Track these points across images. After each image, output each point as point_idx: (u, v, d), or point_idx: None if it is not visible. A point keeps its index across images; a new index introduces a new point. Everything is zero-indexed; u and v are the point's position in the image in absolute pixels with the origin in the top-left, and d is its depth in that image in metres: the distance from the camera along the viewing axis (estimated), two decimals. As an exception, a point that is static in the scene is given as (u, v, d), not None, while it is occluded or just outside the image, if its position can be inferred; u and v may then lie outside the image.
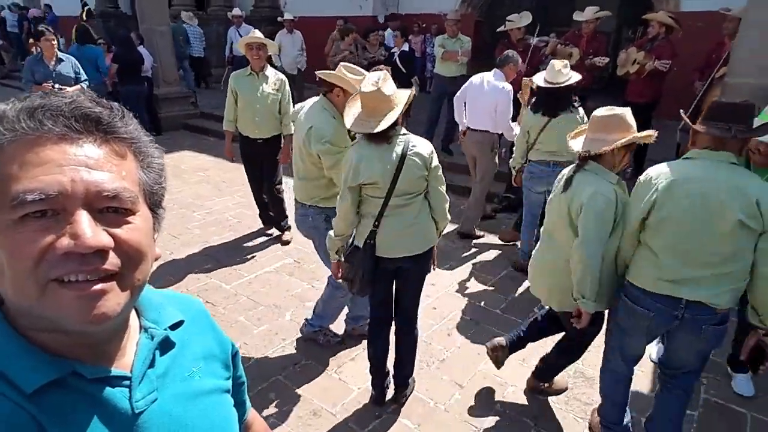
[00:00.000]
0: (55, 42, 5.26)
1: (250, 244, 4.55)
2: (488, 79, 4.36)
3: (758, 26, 4.01)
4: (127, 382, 0.64)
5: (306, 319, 3.17)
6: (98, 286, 0.56)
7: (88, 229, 0.54)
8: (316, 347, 3.10)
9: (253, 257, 4.29)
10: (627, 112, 2.20)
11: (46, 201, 0.53)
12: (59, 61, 5.25)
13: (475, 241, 4.72)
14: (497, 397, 2.75)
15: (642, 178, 2.06)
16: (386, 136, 2.19)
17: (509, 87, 4.27)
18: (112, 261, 0.57)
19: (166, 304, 0.76)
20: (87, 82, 5.42)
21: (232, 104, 4.20)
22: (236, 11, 8.75)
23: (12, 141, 0.55)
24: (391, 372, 2.69)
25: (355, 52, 6.94)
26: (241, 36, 8.64)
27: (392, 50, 6.84)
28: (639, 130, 2.18)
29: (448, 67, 6.25)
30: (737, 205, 1.79)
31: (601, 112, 2.23)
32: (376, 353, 2.61)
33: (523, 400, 2.74)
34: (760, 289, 1.88)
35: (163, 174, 0.68)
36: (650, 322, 2.08)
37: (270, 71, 4.21)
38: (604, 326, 2.41)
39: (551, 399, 2.74)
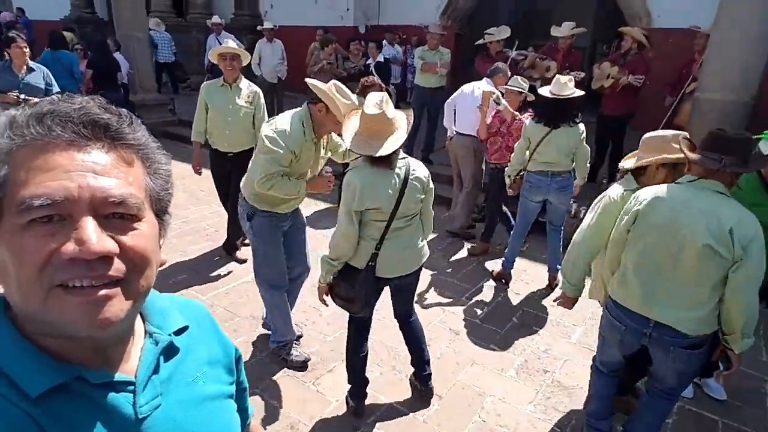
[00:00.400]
0: (27, 50, 4.95)
1: (220, 257, 4.48)
2: (479, 86, 4.55)
3: (724, 44, 4.18)
4: (131, 388, 0.64)
5: (268, 338, 3.13)
6: (103, 292, 0.56)
7: (93, 235, 0.54)
8: (306, 351, 3.06)
9: (229, 268, 4.22)
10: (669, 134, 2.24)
11: (53, 206, 0.54)
12: (30, 70, 4.90)
13: (452, 251, 4.74)
14: (476, 408, 2.75)
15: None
16: (389, 160, 2.21)
17: (498, 93, 4.38)
18: (117, 267, 0.57)
19: (171, 308, 0.76)
20: (59, 95, 5.21)
21: (203, 115, 4.03)
22: (215, 19, 8.69)
23: (21, 146, 0.56)
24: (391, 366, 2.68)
25: (335, 62, 6.96)
26: (220, 43, 8.61)
27: (368, 61, 6.88)
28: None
29: (428, 78, 6.32)
30: (707, 231, 1.82)
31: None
32: (359, 360, 2.59)
33: (501, 410, 2.74)
34: (723, 314, 1.93)
35: (170, 180, 0.68)
36: (623, 336, 2.12)
37: (244, 83, 4.05)
38: None
39: (529, 409, 2.75)
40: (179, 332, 0.74)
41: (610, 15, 8.59)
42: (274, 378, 2.89)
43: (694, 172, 1.99)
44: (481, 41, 5.89)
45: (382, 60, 6.89)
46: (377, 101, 2.17)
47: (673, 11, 7.34)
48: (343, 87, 2.59)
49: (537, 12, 10.62)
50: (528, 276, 4.29)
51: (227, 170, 4.12)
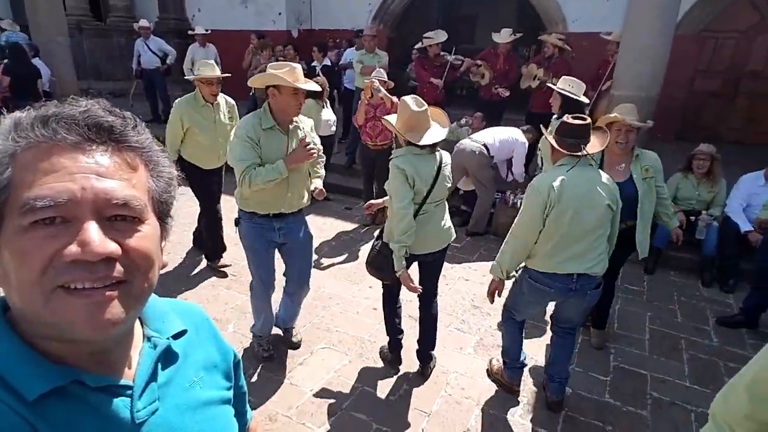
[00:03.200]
0: None
1: (182, 261, 4.43)
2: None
3: (632, 48, 4.75)
4: (129, 392, 0.63)
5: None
6: (105, 294, 0.56)
7: (96, 236, 0.54)
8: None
9: (186, 274, 4.18)
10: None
11: (56, 208, 0.54)
12: None
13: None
14: (441, 384, 2.96)
15: (535, 183, 2.48)
16: (432, 148, 2.58)
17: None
18: (120, 269, 0.57)
19: (170, 312, 0.76)
20: None
21: (179, 133, 3.82)
22: (143, 23, 8.36)
23: (25, 148, 0.56)
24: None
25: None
26: (150, 48, 8.34)
27: (313, 64, 6.97)
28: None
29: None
30: (607, 195, 2.44)
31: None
32: (396, 319, 3.02)
33: (465, 383, 2.97)
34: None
35: (172, 183, 0.68)
36: (550, 296, 2.64)
37: (220, 98, 3.93)
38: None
39: (488, 380, 3.01)
40: (177, 336, 0.73)
41: (529, 19, 9.21)
42: (250, 372, 2.96)
43: (560, 155, 2.49)
44: (419, 45, 6.13)
45: (329, 63, 6.98)
46: (414, 99, 2.55)
47: (587, 17, 8.05)
48: (275, 62, 2.76)
49: (461, 17, 11.14)
50: (475, 264, 4.60)
51: (213, 184, 4.10)
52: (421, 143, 2.50)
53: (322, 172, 3.12)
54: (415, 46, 6.43)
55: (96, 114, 0.59)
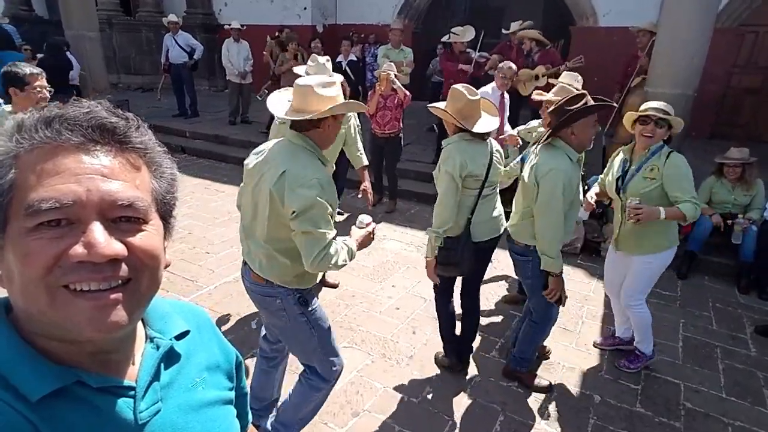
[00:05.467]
0: None
1: (203, 254, 4.46)
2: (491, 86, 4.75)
3: (669, 43, 4.57)
4: (131, 392, 0.64)
5: (272, 424, 2.41)
6: (110, 296, 0.56)
7: (102, 238, 0.55)
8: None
9: (210, 269, 4.21)
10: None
11: (61, 210, 0.54)
12: None
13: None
14: (464, 388, 2.92)
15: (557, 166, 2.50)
16: (484, 135, 2.63)
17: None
18: (125, 269, 0.57)
19: (173, 313, 0.76)
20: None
21: None
22: (172, 17, 8.44)
23: (29, 150, 0.56)
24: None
25: (301, 61, 6.96)
26: (178, 43, 8.41)
27: (338, 60, 6.93)
28: None
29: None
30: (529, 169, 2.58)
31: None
32: (449, 324, 2.98)
33: (489, 387, 2.92)
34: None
35: (174, 184, 0.69)
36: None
37: None
38: None
39: (514, 385, 2.94)
40: (180, 337, 0.74)
41: (558, 12, 9.00)
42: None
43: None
44: (446, 38, 6.04)
45: (355, 59, 6.94)
46: (467, 88, 2.57)
47: (618, 10, 7.81)
48: (319, 78, 2.02)
49: (489, 9, 10.95)
50: (500, 263, 4.51)
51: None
52: (475, 130, 2.54)
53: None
54: (442, 39, 6.34)
55: (99, 115, 0.59)
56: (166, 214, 0.67)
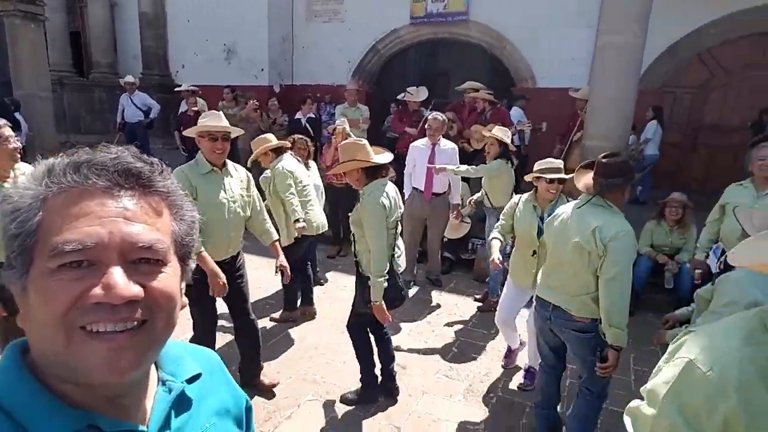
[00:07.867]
0: None
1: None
2: (444, 143, 4.90)
3: (599, 101, 5.11)
4: None
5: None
6: (126, 337, 0.57)
7: (120, 280, 0.56)
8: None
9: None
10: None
11: (84, 252, 0.56)
12: None
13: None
14: (433, 433, 2.92)
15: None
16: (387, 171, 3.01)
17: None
18: (142, 311, 0.58)
19: (185, 355, 0.76)
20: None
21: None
22: (129, 78, 8.53)
23: (57, 194, 0.58)
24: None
25: (261, 118, 7.21)
26: (134, 103, 8.46)
27: (297, 117, 7.18)
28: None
29: (351, 133, 6.72)
30: (578, 232, 2.35)
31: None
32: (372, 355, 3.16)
33: (456, 432, 2.94)
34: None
35: (194, 226, 0.70)
36: (534, 319, 2.72)
37: (229, 164, 2.95)
38: None
39: (480, 428, 2.97)
40: (192, 380, 0.74)
41: (500, 76, 9.73)
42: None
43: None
44: (401, 96, 6.40)
45: (313, 116, 7.23)
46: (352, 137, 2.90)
47: (554, 75, 8.57)
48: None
49: (437, 71, 11.67)
50: (458, 309, 4.63)
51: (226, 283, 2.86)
52: (385, 161, 2.82)
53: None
54: (397, 96, 6.70)
55: (126, 160, 0.62)
56: (184, 256, 0.68)
